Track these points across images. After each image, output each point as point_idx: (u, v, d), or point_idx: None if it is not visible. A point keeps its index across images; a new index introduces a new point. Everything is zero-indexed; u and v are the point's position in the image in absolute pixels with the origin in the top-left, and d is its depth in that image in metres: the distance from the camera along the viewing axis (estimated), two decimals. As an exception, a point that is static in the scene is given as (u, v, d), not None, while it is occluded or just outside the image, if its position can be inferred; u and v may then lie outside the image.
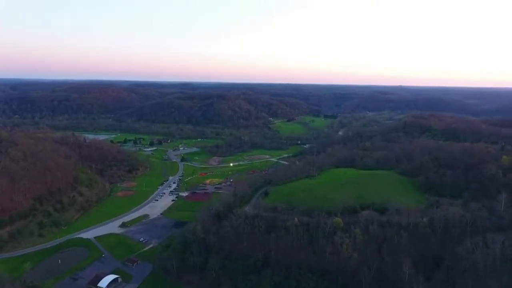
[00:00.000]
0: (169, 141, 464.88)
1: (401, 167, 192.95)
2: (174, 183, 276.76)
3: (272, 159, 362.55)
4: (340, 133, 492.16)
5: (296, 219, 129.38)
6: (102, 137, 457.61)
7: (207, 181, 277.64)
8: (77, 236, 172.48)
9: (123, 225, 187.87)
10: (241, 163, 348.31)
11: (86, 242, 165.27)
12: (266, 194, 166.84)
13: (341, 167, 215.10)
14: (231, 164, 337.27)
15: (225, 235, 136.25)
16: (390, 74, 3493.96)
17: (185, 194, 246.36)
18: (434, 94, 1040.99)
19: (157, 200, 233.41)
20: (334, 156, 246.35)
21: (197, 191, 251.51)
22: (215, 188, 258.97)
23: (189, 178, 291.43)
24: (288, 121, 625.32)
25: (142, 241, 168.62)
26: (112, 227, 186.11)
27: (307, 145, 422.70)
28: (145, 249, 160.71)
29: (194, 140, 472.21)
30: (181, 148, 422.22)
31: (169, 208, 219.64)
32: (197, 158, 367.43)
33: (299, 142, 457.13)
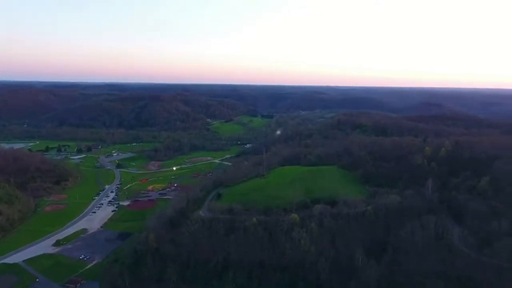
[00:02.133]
0: (99, 147, 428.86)
1: (341, 162, 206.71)
2: (112, 192, 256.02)
3: (215, 161, 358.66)
4: (278, 132, 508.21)
5: (254, 219, 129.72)
6: (16, 145, 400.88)
7: (150, 188, 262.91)
8: (0, 262, 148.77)
9: (57, 243, 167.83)
10: (183, 166, 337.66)
11: (13, 268, 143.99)
12: (219, 196, 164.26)
13: (286, 165, 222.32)
14: (174, 168, 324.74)
15: (181, 242, 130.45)
16: (318, 75, 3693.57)
17: (126, 203, 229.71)
18: (359, 93, 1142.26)
19: (95, 212, 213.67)
20: (279, 155, 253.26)
21: (139, 199, 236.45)
22: (159, 194, 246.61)
23: (128, 185, 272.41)
24: (227, 121, 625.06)
25: (83, 258, 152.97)
26: (44, 246, 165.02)
27: (248, 145, 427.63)
28: (88, 266, 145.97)
29: (128, 145, 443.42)
30: (114, 154, 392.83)
31: (110, 219, 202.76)
32: (134, 164, 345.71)
33: (239, 142, 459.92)
